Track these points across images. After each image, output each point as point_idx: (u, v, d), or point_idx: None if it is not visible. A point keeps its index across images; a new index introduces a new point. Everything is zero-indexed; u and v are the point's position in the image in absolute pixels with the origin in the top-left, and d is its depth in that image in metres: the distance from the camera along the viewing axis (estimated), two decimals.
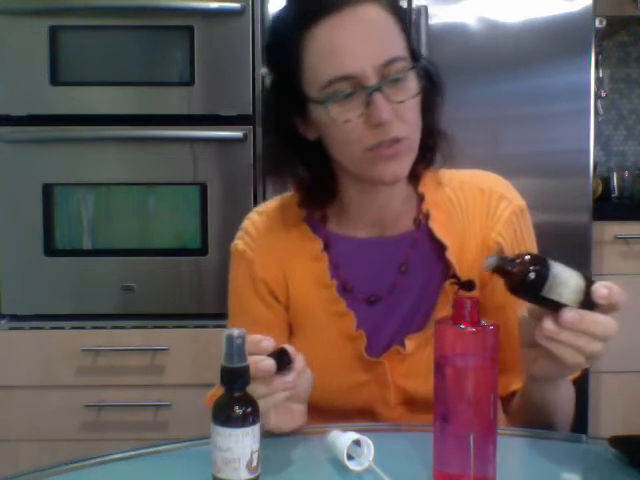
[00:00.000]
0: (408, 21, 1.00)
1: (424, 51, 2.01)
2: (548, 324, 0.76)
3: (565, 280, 0.75)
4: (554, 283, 0.75)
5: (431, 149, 1.04)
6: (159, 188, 2.12)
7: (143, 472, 0.83)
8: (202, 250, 2.12)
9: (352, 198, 1.05)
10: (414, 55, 0.99)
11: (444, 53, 2.05)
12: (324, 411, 1.03)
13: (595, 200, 2.29)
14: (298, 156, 1.04)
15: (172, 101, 2.10)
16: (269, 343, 0.82)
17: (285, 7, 0.99)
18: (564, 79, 2.06)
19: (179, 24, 2.08)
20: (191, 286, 2.13)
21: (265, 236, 1.09)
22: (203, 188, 2.10)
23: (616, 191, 2.64)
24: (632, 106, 2.85)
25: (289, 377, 0.82)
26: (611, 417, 2.21)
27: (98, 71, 2.10)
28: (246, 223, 1.12)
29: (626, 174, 2.66)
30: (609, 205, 2.56)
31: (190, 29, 2.07)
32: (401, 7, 1.00)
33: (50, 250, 2.12)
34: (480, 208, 1.04)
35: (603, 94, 2.51)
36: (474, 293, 0.95)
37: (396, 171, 0.95)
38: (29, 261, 2.12)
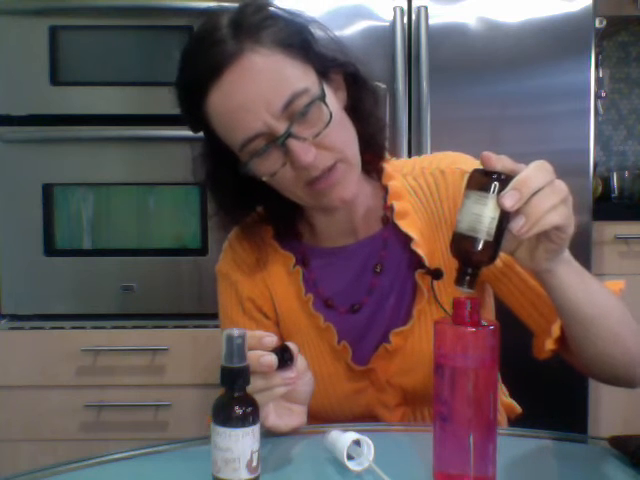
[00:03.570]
0: (305, 39, 0.94)
1: (424, 51, 2.01)
2: (514, 225, 0.73)
3: (475, 216, 0.73)
4: (481, 229, 0.73)
5: (376, 140, 1.03)
6: (159, 188, 2.13)
7: (143, 472, 0.83)
8: (202, 250, 2.12)
9: (317, 216, 1.05)
10: (323, 68, 0.94)
11: (444, 53, 2.05)
12: (326, 420, 1.03)
13: (595, 200, 2.29)
14: (252, 198, 1.03)
15: (172, 101, 2.09)
16: (271, 339, 0.82)
17: (177, 80, 0.96)
18: (564, 79, 2.06)
19: (179, 24, 2.08)
20: (191, 286, 2.13)
21: (245, 255, 1.09)
22: (203, 188, 2.10)
23: (616, 191, 2.64)
24: (632, 106, 2.85)
25: (290, 373, 0.82)
26: (611, 417, 2.21)
27: (98, 71, 2.10)
28: (226, 244, 1.12)
29: (626, 174, 2.66)
30: (609, 205, 2.56)
31: (190, 29, 2.07)
32: (289, 34, 0.92)
33: (50, 250, 2.12)
34: (445, 190, 1.03)
35: (603, 94, 2.51)
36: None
37: (342, 195, 0.94)
38: (29, 261, 2.12)
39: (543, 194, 0.73)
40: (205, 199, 2.10)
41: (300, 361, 0.85)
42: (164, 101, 2.23)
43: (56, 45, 2.08)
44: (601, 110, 2.51)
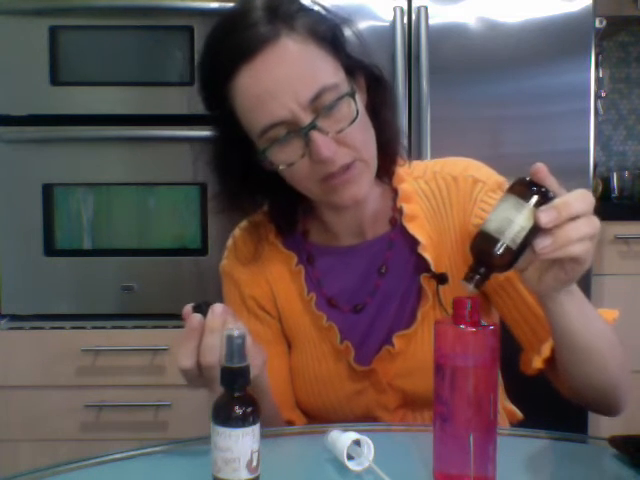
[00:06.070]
0: (337, 35, 0.95)
1: (424, 51, 2.01)
2: (539, 242, 0.73)
3: (507, 220, 0.73)
4: (508, 234, 0.73)
5: (392, 146, 1.03)
6: (159, 188, 2.12)
7: (143, 472, 0.83)
8: (202, 250, 2.12)
9: (327, 213, 1.05)
10: (350, 67, 0.95)
11: (444, 53, 2.05)
12: (326, 420, 1.03)
13: (595, 200, 2.28)
14: (258, 187, 1.02)
15: (172, 101, 2.10)
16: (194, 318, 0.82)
17: (204, 57, 0.95)
18: (564, 79, 2.06)
19: (179, 24, 2.08)
20: (191, 286, 2.13)
21: (248, 253, 1.08)
22: (203, 188, 2.10)
23: (616, 191, 2.64)
24: (632, 106, 2.85)
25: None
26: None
27: (98, 71, 2.10)
28: (230, 242, 1.12)
29: (626, 174, 2.66)
30: (609, 205, 2.56)
31: (190, 29, 2.07)
32: (323, 27, 0.93)
33: (50, 250, 2.12)
34: (456, 196, 1.02)
35: (603, 94, 2.51)
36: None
37: (355, 194, 0.94)
38: (29, 261, 2.12)
39: (578, 223, 0.74)
40: (205, 199, 2.10)
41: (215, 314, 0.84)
42: (164, 101, 2.23)
43: (56, 45, 2.08)
44: (601, 110, 2.51)
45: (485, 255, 0.75)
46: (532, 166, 0.75)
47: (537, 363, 0.96)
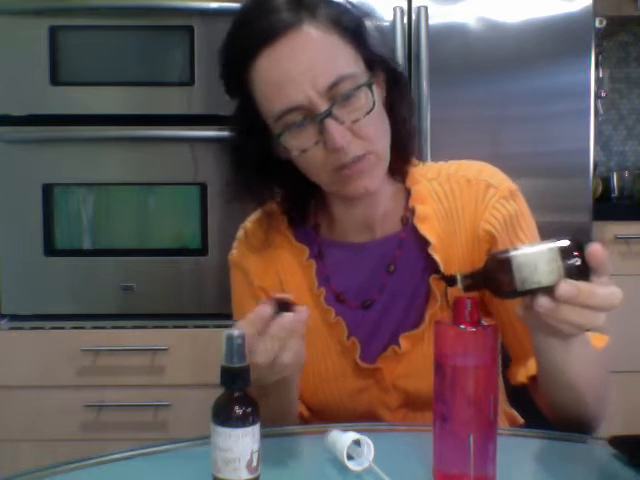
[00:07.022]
0: (360, 27, 0.96)
1: (424, 51, 2.01)
2: (542, 300, 0.74)
3: (534, 266, 0.73)
4: (522, 275, 0.73)
5: (406, 145, 1.03)
6: (159, 188, 2.12)
7: (143, 472, 0.83)
8: (202, 250, 2.12)
9: (337, 207, 1.05)
10: (371, 62, 0.96)
11: (444, 53, 2.05)
12: (327, 418, 1.03)
13: (595, 200, 2.28)
14: (272, 176, 1.03)
15: (172, 101, 2.10)
16: (265, 308, 0.82)
17: (226, 41, 0.96)
18: (564, 79, 2.06)
19: (179, 24, 2.08)
20: (191, 286, 2.13)
21: (258, 245, 1.08)
22: (203, 188, 2.10)
23: (616, 191, 2.64)
24: (632, 106, 2.85)
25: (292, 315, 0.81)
26: (611, 417, 2.21)
27: (98, 71, 2.10)
28: (240, 233, 1.12)
29: (626, 174, 2.66)
30: (609, 205, 2.56)
31: (190, 29, 2.07)
32: (345, 18, 0.95)
33: (50, 250, 2.12)
34: (468, 199, 1.02)
35: (603, 94, 2.51)
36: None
37: (367, 186, 0.95)
38: (29, 261, 2.12)
39: (587, 314, 0.74)
40: (205, 199, 2.10)
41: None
42: (164, 101, 2.23)
43: (56, 45, 2.08)
44: (601, 110, 2.51)
45: (491, 274, 0.76)
46: (596, 243, 0.75)
47: (521, 377, 0.98)
